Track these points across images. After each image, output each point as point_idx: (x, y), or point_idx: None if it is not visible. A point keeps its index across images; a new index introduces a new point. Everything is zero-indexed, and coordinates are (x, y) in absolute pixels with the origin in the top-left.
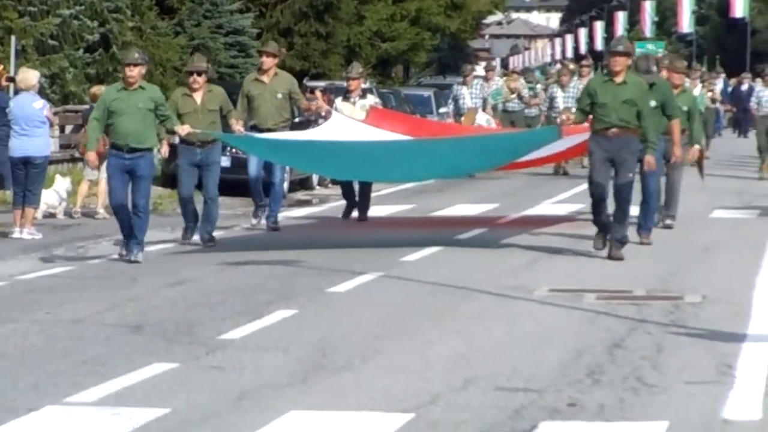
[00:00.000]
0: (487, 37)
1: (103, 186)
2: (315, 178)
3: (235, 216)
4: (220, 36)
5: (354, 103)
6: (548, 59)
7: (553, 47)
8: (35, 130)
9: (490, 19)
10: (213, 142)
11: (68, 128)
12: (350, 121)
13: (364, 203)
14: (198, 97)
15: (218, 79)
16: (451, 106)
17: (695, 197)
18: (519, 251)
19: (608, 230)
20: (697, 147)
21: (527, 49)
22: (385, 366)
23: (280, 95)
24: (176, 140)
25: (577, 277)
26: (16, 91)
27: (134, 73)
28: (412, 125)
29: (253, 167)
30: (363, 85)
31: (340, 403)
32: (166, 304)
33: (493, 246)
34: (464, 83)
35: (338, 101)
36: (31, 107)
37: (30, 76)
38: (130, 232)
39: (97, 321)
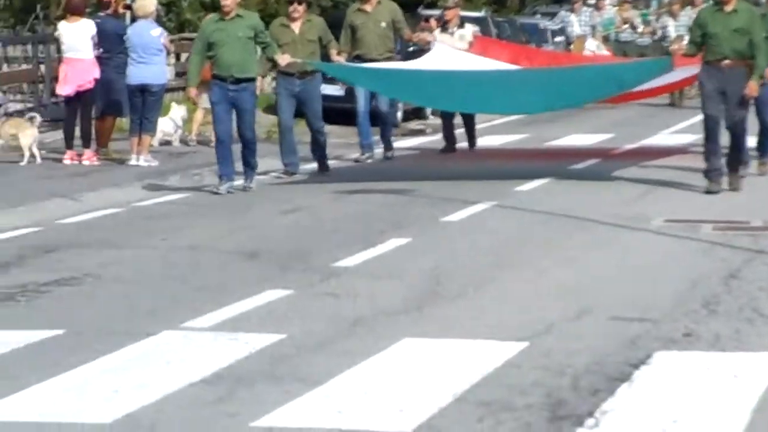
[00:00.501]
0: None
1: (199, 114)
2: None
3: (348, 145)
4: None
5: (452, 34)
6: None
7: None
8: (152, 58)
9: None
10: (313, 74)
11: (184, 56)
12: (454, 50)
13: (471, 133)
14: (296, 27)
15: (332, 8)
16: (561, 35)
17: None
18: (633, 182)
19: (721, 167)
20: None
21: None
22: (498, 295)
23: (383, 24)
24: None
25: (692, 208)
26: (133, 19)
27: (228, 1)
28: (518, 53)
29: (362, 101)
30: (469, 14)
31: (454, 331)
32: (281, 231)
33: (606, 177)
34: (572, 10)
35: (437, 33)
36: (148, 35)
37: (147, 3)
38: (230, 165)
39: (212, 248)
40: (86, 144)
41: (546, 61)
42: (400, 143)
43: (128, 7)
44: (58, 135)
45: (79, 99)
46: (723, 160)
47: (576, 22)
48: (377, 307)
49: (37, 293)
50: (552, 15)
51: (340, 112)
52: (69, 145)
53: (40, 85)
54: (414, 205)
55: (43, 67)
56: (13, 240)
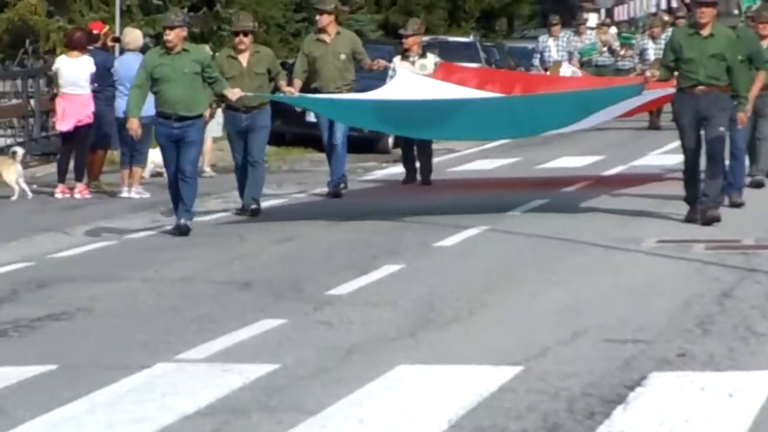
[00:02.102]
0: None
1: (209, 144)
2: None
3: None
4: None
5: (413, 63)
6: (653, 9)
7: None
8: None
9: None
10: (260, 107)
11: None
12: (415, 76)
13: (426, 165)
14: (244, 59)
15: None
16: (537, 59)
17: None
18: (625, 204)
19: (699, 195)
20: None
21: None
22: (493, 319)
23: (343, 56)
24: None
25: (684, 229)
26: (121, 51)
27: (171, 36)
28: (484, 77)
29: (326, 132)
30: (458, 39)
31: (449, 356)
32: (274, 260)
33: (598, 200)
34: (551, 35)
35: (396, 60)
36: (135, 67)
37: (136, 36)
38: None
39: (205, 278)
40: (79, 177)
41: (513, 84)
42: (391, 170)
43: (117, 39)
44: (50, 169)
45: (77, 133)
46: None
47: (554, 47)
48: (371, 334)
49: (30, 328)
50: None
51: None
52: (62, 179)
53: (31, 120)
54: (406, 231)
55: (33, 102)
56: (5, 275)
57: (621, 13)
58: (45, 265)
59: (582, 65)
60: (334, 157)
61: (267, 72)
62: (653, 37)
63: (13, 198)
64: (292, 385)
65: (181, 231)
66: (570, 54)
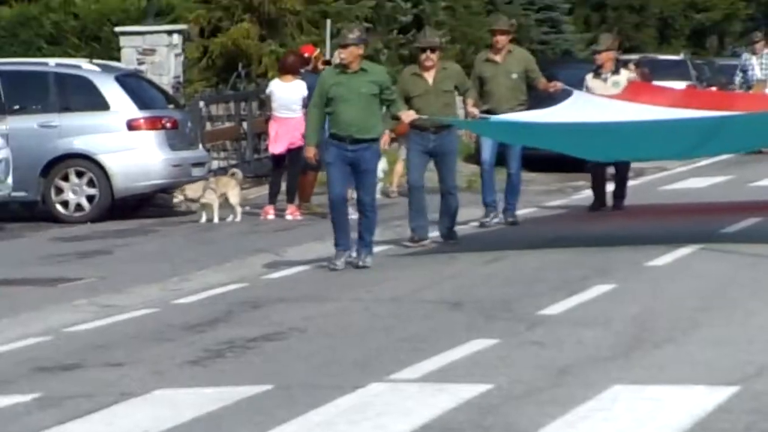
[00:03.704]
0: None
1: (399, 166)
2: None
3: (548, 192)
4: (531, 12)
5: (605, 80)
6: None
7: None
8: None
9: None
10: (449, 128)
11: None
12: (594, 97)
13: (621, 189)
14: (430, 76)
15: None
16: (739, 77)
17: None
18: None
19: None
20: None
21: None
22: (706, 338)
23: (515, 75)
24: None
25: None
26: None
27: (344, 54)
28: (680, 96)
29: (487, 154)
30: (668, 57)
31: (663, 376)
32: (484, 280)
33: None
34: (753, 52)
35: (588, 77)
36: None
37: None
38: (347, 233)
39: (416, 298)
40: (290, 199)
41: (709, 104)
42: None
43: (328, 62)
44: (261, 191)
45: (288, 156)
46: None
47: (757, 65)
48: (584, 354)
49: (245, 348)
50: None
51: (541, 159)
52: (273, 200)
53: (243, 142)
54: (617, 250)
55: (245, 124)
56: (220, 296)
57: None
58: (258, 286)
59: None
60: (509, 186)
61: (455, 89)
62: (755, 53)
63: (237, 219)
64: (506, 405)
65: (357, 267)
66: None
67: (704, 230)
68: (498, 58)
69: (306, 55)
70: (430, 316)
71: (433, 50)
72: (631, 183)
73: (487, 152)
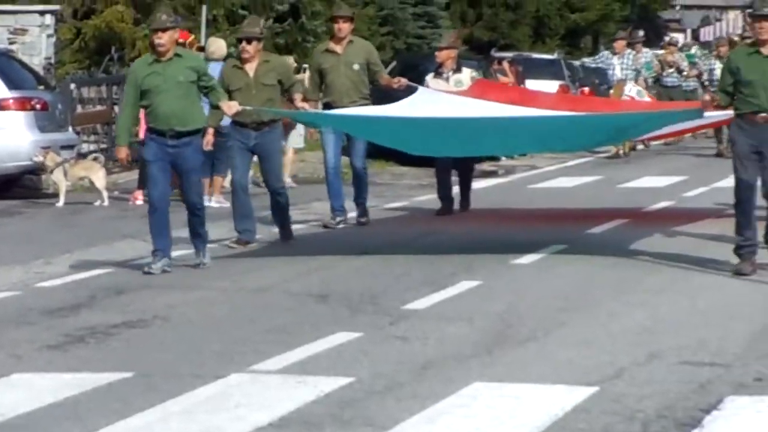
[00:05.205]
0: (678, 7)
1: (290, 155)
2: None
3: (420, 186)
4: (408, 6)
5: (447, 79)
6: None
7: (745, 19)
8: None
9: None
10: (271, 124)
11: None
12: (440, 93)
13: (466, 192)
14: (251, 69)
15: (406, 50)
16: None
17: None
18: (705, 226)
19: (756, 242)
20: None
21: (719, 20)
22: (568, 338)
23: (356, 66)
24: (227, 121)
25: (765, 252)
26: (206, 60)
27: (163, 39)
28: (524, 96)
29: (331, 153)
30: (542, 56)
31: (524, 375)
32: (351, 274)
33: (678, 220)
34: (615, 52)
35: (429, 77)
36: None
37: (219, 45)
38: (167, 237)
39: (282, 290)
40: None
41: (555, 106)
42: (475, 184)
43: (201, 49)
44: (131, 176)
45: None
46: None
47: (618, 65)
48: (447, 350)
49: (106, 335)
50: None
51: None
52: (142, 186)
53: (114, 126)
54: (484, 248)
55: (117, 108)
56: (84, 281)
57: (707, 34)
58: (123, 271)
59: (648, 85)
60: (357, 182)
61: (279, 84)
62: (720, 57)
63: (102, 204)
64: (366, 399)
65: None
66: (637, 72)
67: (570, 231)
68: (338, 48)
69: (181, 40)
70: (295, 307)
71: (249, 41)
72: (500, 181)
73: (330, 153)
